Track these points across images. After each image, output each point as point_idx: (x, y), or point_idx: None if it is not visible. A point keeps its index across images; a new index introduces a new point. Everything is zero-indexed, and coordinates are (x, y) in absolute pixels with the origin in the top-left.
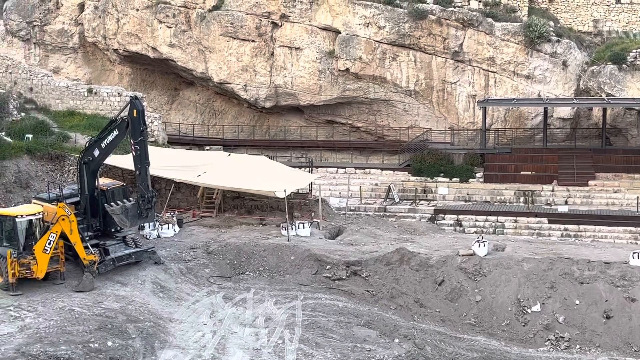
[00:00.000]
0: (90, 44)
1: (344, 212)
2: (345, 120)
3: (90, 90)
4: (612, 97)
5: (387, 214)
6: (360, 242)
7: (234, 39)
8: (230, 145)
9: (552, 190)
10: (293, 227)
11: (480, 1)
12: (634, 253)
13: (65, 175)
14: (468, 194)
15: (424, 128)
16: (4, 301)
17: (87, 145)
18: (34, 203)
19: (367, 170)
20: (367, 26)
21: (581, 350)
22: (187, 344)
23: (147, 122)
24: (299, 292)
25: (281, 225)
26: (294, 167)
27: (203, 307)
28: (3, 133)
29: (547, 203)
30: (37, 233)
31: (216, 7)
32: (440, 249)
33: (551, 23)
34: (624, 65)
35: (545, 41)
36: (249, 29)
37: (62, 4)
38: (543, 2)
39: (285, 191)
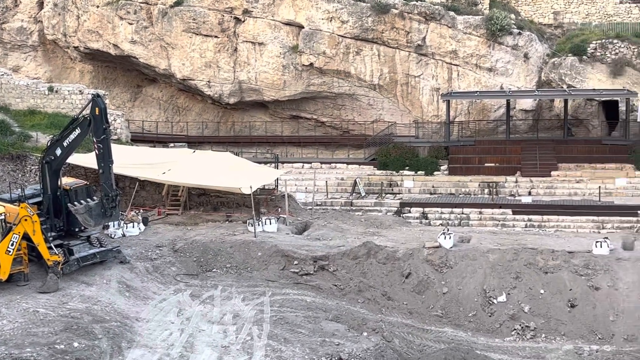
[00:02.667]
0: (50, 41)
1: (310, 207)
2: (310, 115)
3: (51, 89)
4: (573, 89)
5: (354, 208)
6: (327, 236)
7: (197, 34)
8: (194, 142)
9: (516, 182)
10: (260, 223)
11: None
12: (596, 242)
13: (27, 175)
14: (433, 187)
15: (389, 122)
16: None
17: (49, 144)
18: None
19: (333, 164)
20: (330, 21)
21: (547, 339)
22: (155, 343)
23: (109, 120)
24: (267, 288)
25: (248, 221)
26: (260, 163)
27: (170, 305)
28: None
29: (510, 194)
30: (0, 233)
31: (178, 3)
32: (407, 241)
33: (512, 16)
34: (584, 57)
35: (507, 34)
36: (211, 25)
37: (20, 1)
38: (495, 1)
39: (251, 187)
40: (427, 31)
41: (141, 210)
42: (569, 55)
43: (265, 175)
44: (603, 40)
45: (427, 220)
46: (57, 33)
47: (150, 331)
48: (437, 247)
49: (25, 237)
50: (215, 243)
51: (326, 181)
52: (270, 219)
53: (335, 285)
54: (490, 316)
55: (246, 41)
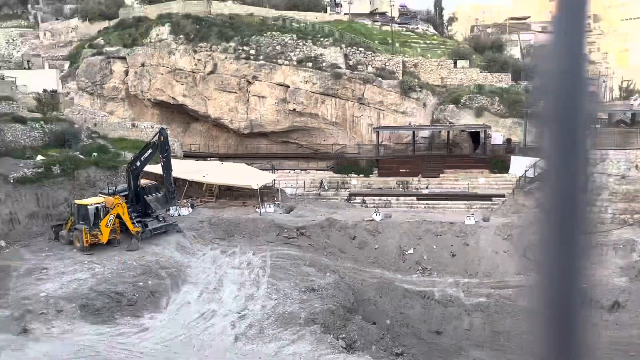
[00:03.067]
0: (132, 95)
1: (294, 197)
2: (295, 141)
3: (133, 125)
4: (452, 124)
5: (321, 197)
6: (305, 215)
7: (224, 91)
8: (222, 157)
9: (419, 180)
10: (263, 206)
11: (373, 67)
12: (467, 216)
13: (118, 178)
14: (369, 184)
15: (342, 144)
16: (81, 258)
17: (132, 159)
18: (99, 196)
19: (308, 170)
20: (306, 83)
21: (438, 275)
22: (198, 281)
23: (169, 144)
24: (267, 246)
25: (255, 206)
26: (263, 170)
27: (208, 258)
28: (78, 152)
29: (415, 188)
30: (101, 215)
31: (212, 72)
32: (353, 217)
33: (416, 80)
34: (459, 104)
35: (413, 91)
36: (232, 85)
37: (114, 71)
38: (411, 67)
39: (257, 184)
40: (364, 89)
41: (190, 200)
42: (450, 103)
43: (266, 177)
44: (470, 95)
45: (365, 205)
46: (137, 90)
47: (196, 274)
48: (372, 221)
49: (118, 216)
50: (236, 219)
51: (304, 181)
52: (269, 204)
53: (310, 245)
54: (403, 262)
55: (254, 95)
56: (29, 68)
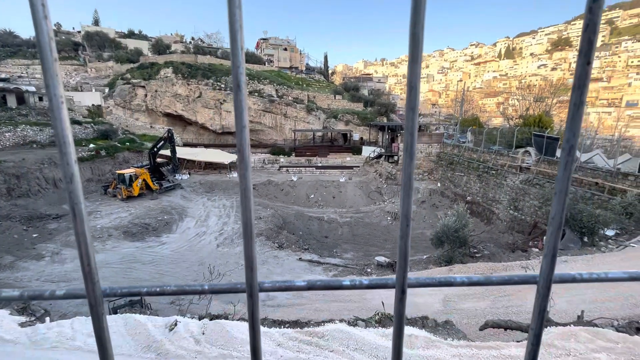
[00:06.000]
0: (150, 109)
1: (252, 166)
2: (254, 137)
3: (151, 126)
4: (333, 129)
5: (264, 168)
6: (256, 178)
7: (206, 108)
8: (207, 146)
9: (316, 158)
10: (230, 173)
11: (292, 97)
12: (341, 177)
13: (142, 158)
14: (290, 160)
15: (275, 139)
16: (121, 204)
17: (152, 146)
18: (132, 168)
19: (257, 153)
20: (254, 104)
21: (326, 207)
22: (194, 216)
23: (174, 138)
24: (233, 196)
25: (226, 173)
26: (230, 153)
27: (200, 203)
28: (116, 142)
29: (315, 163)
30: (133, 179)
31: (199, 96)
32: (282, 178)
33: (314, 104)
34: (336, 119)
35: (313, 110)
36: (211, 105)
37: (137, 94)
38: (312, 98)
39: (227, 161)
40: (287, 109)
41: (187, 170)
42: (332, 118)
43: (232, 157)
44: (342, 114)
45: (288, 171)
46: (153, 106)
47: (193, 211)
48: (293, 180)
49: (144, 180)
50: (216, 180)
51: (254, 159)
52: (234, 172)
53: (259, 194)
54: (308, 201)
55: (225, 111)
56: (81, 90)
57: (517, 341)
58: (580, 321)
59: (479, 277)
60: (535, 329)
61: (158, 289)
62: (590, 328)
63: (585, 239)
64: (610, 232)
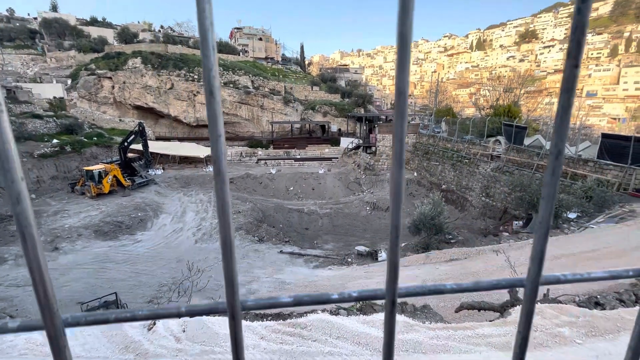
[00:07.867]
0: (118, 102)
1: (229, 160)
2: (226, 129)
3: (120, 120)
4: (311, 121)
5: (241, 162)
6: (233, 171)
7: (179, 100)
8: (180, 139)
9: (295, 150)
10: (206, 167)
11: (268, 88)
12: (320, 169)
13: (112, 153)
14: (268, 153)
15: (253, 131)
16: (91, 202)
17: (122, 141)
18: (101, 164)
19: (233, 146)
20: (229, 96)
21: (305, 199)
22: (170, 212)
23: (146, 132)
24: (210, 190)
25: (203, 167)
26: (205, 146)
27: (176, 198)
28: (82, 137)
29: (293, 155)
30: (103, 175)
31: (171, 88)
32: (260, 171)
33: (292, 96)
34: (314, 110)
35: (290, 102)
36: (184, 97)
37: (103, 85)
38: (289, 89)
39: (203, 155)
40: (264, 101)
41: (161, 165)
42: (310, 109)
43: (207, 151)
44: (320, 105)
45: (266, 164)
46: (121, 98)
47: (168, 207)
48: (271, 173)
49: (115, 176)
50: (191, 175)
51: (231, 152)
52: (210, 166)
53: (237, 188)
54: (288, 194)
55: (198, 103)
56: (41, 82)
57: (490, 321)
58: (546, 299)
59: (468, 284)
60: (522, 332)
61: (129, 315)
62: (555, 305)
63: (550, 222)
64: (572, 215)
